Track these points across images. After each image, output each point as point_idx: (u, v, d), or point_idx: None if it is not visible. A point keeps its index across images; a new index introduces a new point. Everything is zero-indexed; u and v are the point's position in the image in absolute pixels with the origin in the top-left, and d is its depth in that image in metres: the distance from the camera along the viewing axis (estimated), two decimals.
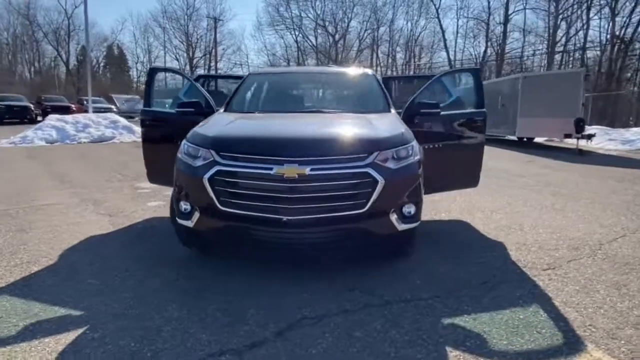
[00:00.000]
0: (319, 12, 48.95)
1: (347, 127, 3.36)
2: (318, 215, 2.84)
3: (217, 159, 2.91)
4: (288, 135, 3.09)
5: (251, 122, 3.66)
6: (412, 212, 3.14)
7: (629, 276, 3.25)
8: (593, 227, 4.57)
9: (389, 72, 47.39)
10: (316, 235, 2.91)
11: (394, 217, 3.02)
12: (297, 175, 2.77)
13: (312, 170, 2.79)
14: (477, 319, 2.57)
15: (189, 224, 3.09)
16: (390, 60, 50.89)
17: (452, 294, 2.91)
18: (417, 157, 3.18)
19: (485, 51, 43.75)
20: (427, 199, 5.63)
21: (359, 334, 2.40)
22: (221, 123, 3.44)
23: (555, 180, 7.62)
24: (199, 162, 2.98)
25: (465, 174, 4.59)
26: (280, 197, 2.82)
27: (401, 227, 3.06)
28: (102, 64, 57.39)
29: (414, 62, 49.33)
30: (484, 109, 4.63)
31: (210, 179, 2.88)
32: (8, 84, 37.70)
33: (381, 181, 2.88)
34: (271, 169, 2.79)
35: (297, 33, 50.80)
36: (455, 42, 48.09)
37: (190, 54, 53.35)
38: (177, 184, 3.16)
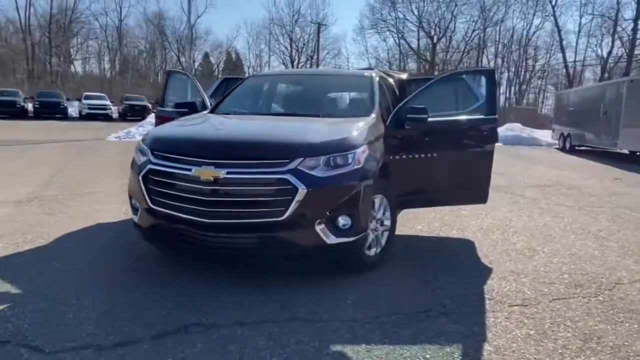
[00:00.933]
0: (421, 13, 47.59)
1: (283, 131, 3.23)
2: (235, 221, 2.76)
3: (151, 158, 3.00)
4: (209, 138, 3.06)
5: (201, 124, 3.67)
6: (348, 224, 2.90)
7: (616, 326, 2.60)
8: (625, 263, 3.75)
9: (499, 75, 44.20)
10: (234, 240, 2.83)
11: (320, 229, 2.81)
12: (212, 178, 2.73)
13: (228, 173, 2.72)
14: (370, 352, 2.27)
15: (135, 219, 3.23)
16: (501, 62, 47.50)
17: (375, 320, 2.60)
18: (358, 166, 2.92)
19: (610, 52, 38.57)
20: (450, 213, 5.22)
21: (233, 347, 2.27)
22: (177, 123, 3.54)
23: (633, 203, 6.41)
24: (141, 160, 3.10)
25: (467, 188, 4.11)
26: (200, 199, 2.80)
27: (331, 240, 2.84)
28: (221, 68, 62.71)
29: (525, 64, 45.38)
30: (494, 116, 4.09)
31: (143, 177, 2.97)
32: (138, 86, 43.22)
33: (302, 189, 2.70)
34: (190, 169, 2.79)
35: (399, 35, 50.09)
36: (577, 42, 43.17)
37: (296, 58, 55.64)
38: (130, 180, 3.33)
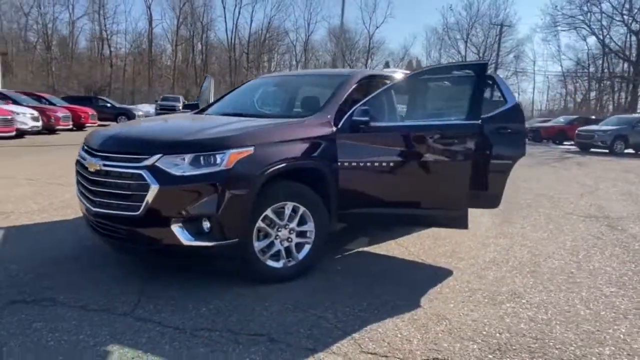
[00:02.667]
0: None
1: (165, 129, 3.31)
2: (107, 211, 2.89)
3: (80, 150, 3.37)
4: (111, 133, 3.20)
5: (138, 123, 3.81)
6: (208, 228, 2.76)
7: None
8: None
9: None
10: (112, 230, 2.96)
11: (176, 228, 2.74)
12: (94, 169, 2.94)
13: (104, 165, 2.89)
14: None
15: None
16: None
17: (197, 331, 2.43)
18: (227, 168, 2.74)
19: None
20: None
21: (39, 325, 2.43)
22: (128, 123, 3.86)
23: None
24: None
25: (443, 205, 3.41)
26: (89, 188, 3.02)
27: (187, 241, 2.74)
28: None
29: None
30: (476, 121, 3.31)
31: (76, 164, 3.38)
32: None
33: (154, 186, 2.69)
34: (85, 159, 3.08)
35: (604, 32, 42.45)
36: None
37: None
38: None
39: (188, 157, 2.74)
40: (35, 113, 14.28)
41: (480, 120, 3.35)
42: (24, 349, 2.21)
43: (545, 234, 4.74)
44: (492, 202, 3.70)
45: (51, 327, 2.41)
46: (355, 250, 3.94)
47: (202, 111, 4.45)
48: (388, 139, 3.44)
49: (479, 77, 3.39)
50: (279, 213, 3.07)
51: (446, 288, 3.15)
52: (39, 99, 17.75)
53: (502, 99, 3.88)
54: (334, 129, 3.38)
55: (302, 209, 3.12)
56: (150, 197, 2.70)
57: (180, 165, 2.73)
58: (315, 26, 78.39)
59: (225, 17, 58.06)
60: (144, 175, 2.72)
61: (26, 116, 13.74)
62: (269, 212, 3.00)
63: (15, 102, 14.68)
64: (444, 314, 2.75)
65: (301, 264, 3.18)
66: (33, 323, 2.44)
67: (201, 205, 2.72)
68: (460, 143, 3.30)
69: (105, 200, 2.92)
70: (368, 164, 3.41)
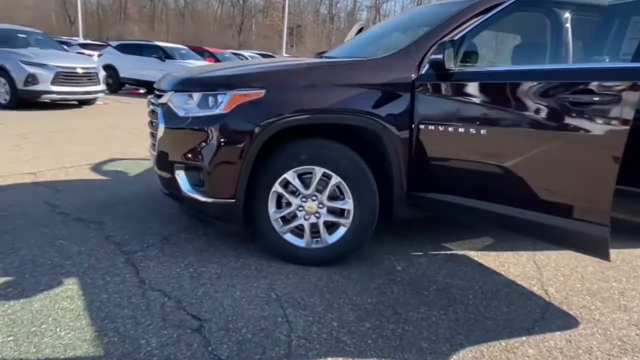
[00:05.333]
0: None
1: (213, 68, 2.81)
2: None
3: None
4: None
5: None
6: (200, 180, 2.36)
7: None
8: None
9: None
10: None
11: (179, 175, 2.44)
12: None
13: (150, 104, 2.79)
14: None
15: None
16: None
17: None
18: (222, 112, 2.25)
19: None
20: None
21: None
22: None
23: None
24: None
25: (563, 206, 2.06)
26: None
27: (187, 192, 2.43)
28: None
29: None
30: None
31: None
32: None
33: (161, 125, 2.45)
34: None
35: None
36: None
37: None
38: None
39: (196, 97, 2.37)
40: None
41: None
42: None
43: None
44: None
45: None
46: (446, 251, 2.86)
47: (319, 55, 3.96)
48: (504, 93, 2.19)
49: None
50: (306, 179, 2.41)
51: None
52: None
53: None
54: (415, 74, 2.39)
55: (335, 179, 2.37)
56: (158, 137, 2.49)
57: (187, 106, 2.39)
58: None
59: None
60: (158, 113, 2.52)
61: None
62: (289, 175, 2.37)
63: None
64: None
65: (330, 249, 2.46)
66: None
67: (195, 153, 2.34)
68: (615, 103, 1.79)
69: (151, 140, 2.87)
70: (465, 129, 2.29)
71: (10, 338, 1.73)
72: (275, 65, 2.50)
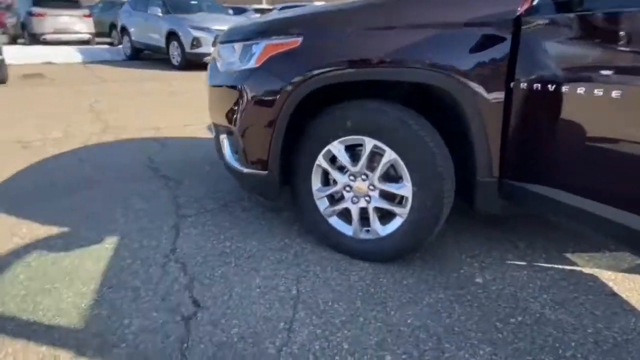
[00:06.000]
0: None
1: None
2: None
3: None
4: None
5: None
6: (234, 145, 2.06)
7: None
8: None
9: None
10: None
11: (223, 140, 2.20)
12: None
13: None
14: None
15: None
16: None
17: None
18: (255, 65, 1.87)
19: None
20: None
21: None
22: None
23: None
24: None
25: None
26: None
27: (229, 159, 2.17)
28: None
29: None
30: None
31: None
32: None
33: (208, 82, 2.20)
34: None
35: None
36: None
37: None
38: None
39: (238, 48, 2.03)
40: None
41: None
42: None
43: None
44: None
45: None
46: (565, 265, 2.01)
47: None
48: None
49: None
50: (357, 153, 1.90)
51: None
52: None
53: None
54: (522, 6, 1.62)
55: (389, 155, 1.80)
56: (208, 95, 2.27)
57: (229, 60, 2.08)
58: None
59: None
60: (208, 69, 2.28)
61: None
62: (334, 147, 1.90)
63: None
64: None
65: (382, 243, 1.94)
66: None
67: (230, 115, 2.03)
68: None
69: None
70: (605, 93, 1.46)
71: (22, 292, 1.77)
72: (322, 7, 1.99)
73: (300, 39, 1.79)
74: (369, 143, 1.82)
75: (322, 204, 2.03)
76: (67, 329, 1.57)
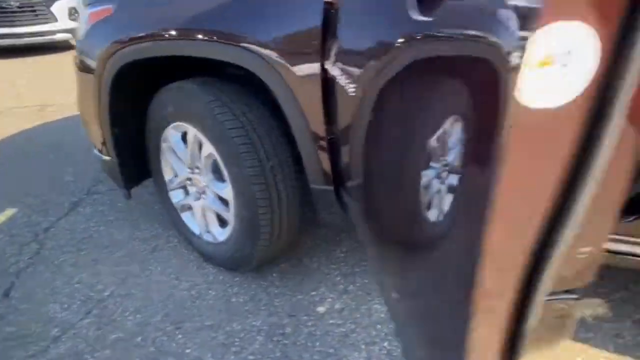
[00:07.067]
0: None
1: None
2: None
3: None
4: None
5: None
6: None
7: None
8: None
9: None
10: None
11: None
12: None
13: None
14: None
15: None
16: None
17: None
18: (81, 37, 1.62)
19: None
20: None
21: None
22: None
23: None
24: None
25: None
26: None
27: None
28: None
29: None
30: None
31: None
32: None
33: None
34: None
35: None
36: None
37: None
38: None
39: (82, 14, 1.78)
40: None
41: None
42: None
43: None
44: None
45: None
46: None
47: None
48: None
49: None
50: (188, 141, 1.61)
51: None
52: None
53: None
54: None
55: (207, 148, 1.49)
56: None
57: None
58: None
59: None
60: None
61: None
62: (170, 133, 1.63)
63: None
64: None
65: (221, 249, 1.64)
66: None
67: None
68: None
69: None
70: None
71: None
72: None
73: (112, 7, 1.52)
74: (191, 132, 1.52)
75: (176, 197, 1.79)
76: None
